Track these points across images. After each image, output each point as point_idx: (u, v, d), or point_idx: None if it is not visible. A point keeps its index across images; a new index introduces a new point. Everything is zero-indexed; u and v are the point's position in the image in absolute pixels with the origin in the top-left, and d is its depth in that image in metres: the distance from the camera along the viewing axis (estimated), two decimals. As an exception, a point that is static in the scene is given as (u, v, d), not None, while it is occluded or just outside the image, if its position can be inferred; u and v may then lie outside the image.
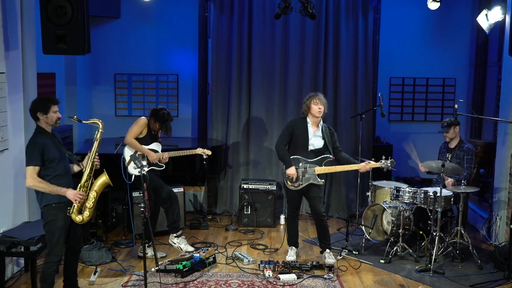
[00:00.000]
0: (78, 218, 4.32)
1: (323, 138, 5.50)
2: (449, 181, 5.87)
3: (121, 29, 7.91)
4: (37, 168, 4.17)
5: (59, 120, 4.32)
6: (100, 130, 4.46)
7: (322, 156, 5.47)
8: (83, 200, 4.31)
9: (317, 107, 5.40)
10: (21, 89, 5.31)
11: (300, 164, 5.45)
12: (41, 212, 4.33)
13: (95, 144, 4.42)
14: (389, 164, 5.41)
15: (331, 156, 5.48)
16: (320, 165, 5.45)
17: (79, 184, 4.35)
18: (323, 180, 5.48)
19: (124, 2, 7.87)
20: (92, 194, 4.37)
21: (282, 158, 5.52)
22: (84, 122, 4.53)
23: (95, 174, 4.44)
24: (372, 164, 5.46)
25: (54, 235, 4.27)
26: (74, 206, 4.29)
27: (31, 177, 4.17)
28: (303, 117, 5.53)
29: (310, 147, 5.47)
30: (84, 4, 4.76)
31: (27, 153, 4.21)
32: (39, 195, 4.27)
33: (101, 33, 7.85)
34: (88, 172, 4.38)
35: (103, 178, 4.41)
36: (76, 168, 4.52)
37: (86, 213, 4.34)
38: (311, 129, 5.48)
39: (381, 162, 5.42)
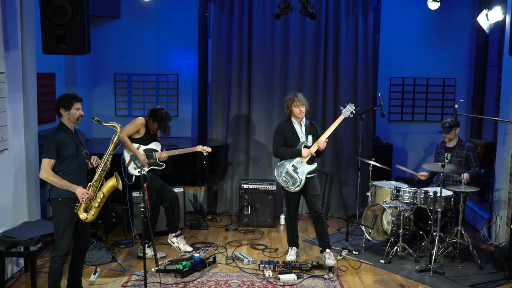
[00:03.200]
0: (82, 216, 4.38)
1: (309, 134, 5.54)
2: (465, 175, 5.85)
3: (121, 29, 7.90)
4: (52, 161, 4.28)
5: (81, 117, 4.42)
6: (118, 134, 4.54)
7: (298, 145, 5.49)
8: (90, 198, 4.37)
9: (298, 109, 5.45)
10: (21, 89, 5.31)
11: (286, 166, 5.47)
12: (51, 205, 4.43)
13: (111, 147, 4.51)
14: (350, 109, 5.46)
15: (305, 141, 5.49)
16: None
17: (89, 183, 4.43)
18: (315, 164, 5.51)
19: (124, 2, 7.86)
20: (100, 195, 4.43)
21: (290, 154, 5.48)
22: (104, 124, 4.57)
23: (108, 175, 4.50)
24: (340, 118, 5.49)
25: (59, 229, 4.34)
26: (81, 203, 4.36)
27: (45, 170, 4.28)
28: (287, 119, 5.57)
29: (307, 144, 5.49)
30: (84, 4, 4.75)
31: (45, 146, 4.33)
32: (49, 187, 4.41)
33: (101, 33, 7.84)
34: (99, 172, 4.45)
35: (113, 181, 4.46)
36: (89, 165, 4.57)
37: (92, 212, 4.41)
38: (298, 128, 5.53)
39: (345, 111, 5.47)
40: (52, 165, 4.29)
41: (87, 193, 4.34)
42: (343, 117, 5.52)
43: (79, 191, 4.32)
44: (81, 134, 4.56)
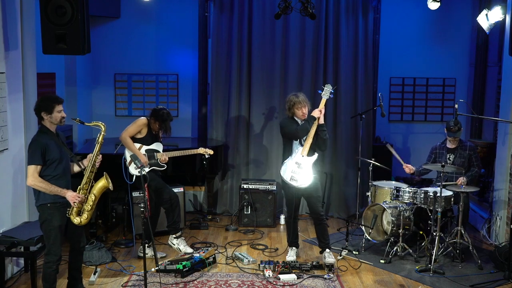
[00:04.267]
0: (76, 220, 4.32)
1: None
2: (460, 180, 5.88)
3: (121, 29, 7.90)
4: (38, 167, 4.19)
5: (63, 119, 4.34)
6: (102, 133, 4.46)
7: (294, 142, 5.48)
8: (81, 202, 4.30)
9: (301, 112, 5.45)
10: (21, 89, 5.31)
11: (290, 166, 5.43)
12: (38, 211, 4.33)
13: (97, 147, 4.42)
14: (328, 90, 5.46)
15: (302, 140, 5.47)
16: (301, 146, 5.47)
17: (79, 186, 4.35)
18: (316, 154, 5.47)
19: (124, 2, 7.86)
20: (91, 197, 4.35)
21: (306, 128, 5.39)
22: (86, 124, 4.52)
23: (96, 176, 4.43)
24: (322, 103, 5.46)
25: (50, 235, 4.27)
26: (73, 207, 4.29)
27: (32, 176, 4.18)
28: (290, 117, 5.54)
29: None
30: (84, 4, 4.76)
31: (29, 152, 4.23)
32: (36, 194, 4.30)
33: (101, 33, 7.84)
34: (88, 174, 4.38)
35: (103, 182, 4.39)
36: (76, 168, 4.52)
37: (85, 216, 4.34)
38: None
39: (324, 93, 5.47)
40: (39, 171, 4.19)
41: (79, 197, 4.27)
42: (325, 99, 5.49)
43: (70, 195, 4.25)
44: (62, 136, 4.48)
